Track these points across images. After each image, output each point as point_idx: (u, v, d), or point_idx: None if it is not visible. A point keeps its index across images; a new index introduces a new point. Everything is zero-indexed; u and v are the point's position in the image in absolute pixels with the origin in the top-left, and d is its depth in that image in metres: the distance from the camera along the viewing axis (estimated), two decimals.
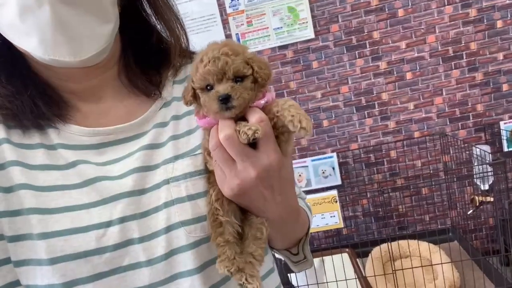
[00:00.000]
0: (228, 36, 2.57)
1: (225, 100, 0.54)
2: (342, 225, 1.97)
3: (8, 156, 0.58)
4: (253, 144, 0.57)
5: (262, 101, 0.59)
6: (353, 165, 2.70)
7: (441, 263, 1.87)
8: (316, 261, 2.13)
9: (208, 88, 0.57)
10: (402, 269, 1.84)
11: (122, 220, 0.59)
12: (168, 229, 0.61)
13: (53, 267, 0.55)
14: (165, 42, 0.76)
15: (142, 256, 0.60)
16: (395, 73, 2.60)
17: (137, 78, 0.71)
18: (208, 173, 0.65)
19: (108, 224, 0.59)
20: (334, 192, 1.96)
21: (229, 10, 2.53)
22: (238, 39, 2.56)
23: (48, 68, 0.63)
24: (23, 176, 0.57)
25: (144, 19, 0.74)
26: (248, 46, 2.58)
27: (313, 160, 2.63)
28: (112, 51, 0.67)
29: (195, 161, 0.66)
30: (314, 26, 2.55)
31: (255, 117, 0.56)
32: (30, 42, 0.56)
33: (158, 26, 0.75)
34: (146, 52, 0.74)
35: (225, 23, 2.56)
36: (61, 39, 0.56)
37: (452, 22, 2.50)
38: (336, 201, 1.97)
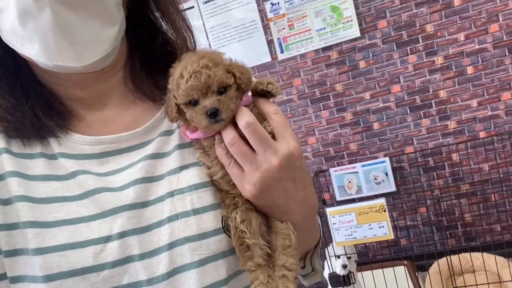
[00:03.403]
0: (270, 41, 2.53)
1: (213, 114, 0.54)
2: (392, 236, 1.81)
3: (7, 167, 0.58)
4: None
5: (249, 93, 0.58)
6: (409, 170, 2.50)
7: None
8: (361, 275, 1.99)
9: (192, 102, 0.55)
10: (465, 287, 1.64)
11: (122, 235, 0.56)
12: (171, 245, 0.57)
13: (48, 284, 0.54)
14: (171, 44, 0.73)
15: (142, 274, 0.56)
16: (453, 68, 2.37)
17: (143, 84, 0.69)
18: (220, 193, 0.61)
19: (107, 239, 0.56)
20: (382, 201, 1.81)
21: (270, 15, 2.50)
22: (280, 44, 2.52)
23: (53, 75, 0.62)
24: (21, 188, 0.57)
25: (151, 21, 0.72)
26: (290, 49, 2.52)
27: (363, 166, 2.48)
28: (118, 55, 0.65)
29: (201, 172, 0.62)
30: (360, 24, 2.41)
31: (243, 118, 0.54)
32: (32, 48, 0.55)
33: (165, 28, 0.72)
34: (153, 55, 0.72)
35: (266, 28, 2.53)
36: (64, 44, 0.54)
37: None
38: (385, 210, 1.81)
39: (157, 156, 0.63)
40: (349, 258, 2.00)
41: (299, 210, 0.61)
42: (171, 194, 0.60)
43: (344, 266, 1.96)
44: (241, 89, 0.57)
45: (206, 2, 2.59)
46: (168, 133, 0.66)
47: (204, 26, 2.62)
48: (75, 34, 0.54)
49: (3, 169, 0.58)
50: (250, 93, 0.58)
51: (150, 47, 0.71)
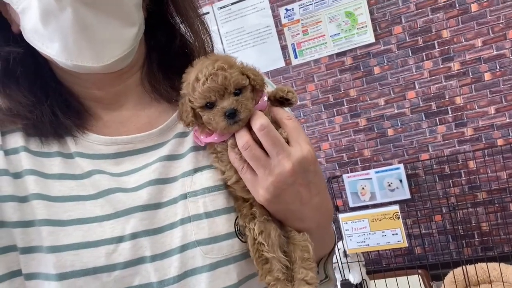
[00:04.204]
0: (284, 46, 2.54)
1: (232, 115, 0.54)
2: (406, 244, 1.78)
3: (25, 165, 0.59)
4: None
5: (265, 98, 0.59)
6: (424, 177, 2.46)
7: None
8: (374, 283, 1.96)
9: (208, 105, 0.56)
10: None
11: (134, 236, 0.57)
12: (183, 248, 0.57)
13: (61, 283, 0.54)
14: (189, 46, 0.74)
15: (153, 276, 0.56)
16: (470, 74, 2.33)
17: (159, 85, 0.69)
18: (236, 202, 0.61)
19: (120, 239, 0.56)
20: (396, 207, 1.78)
21: (284, 21, 2.51)
22: (294, 49, 2.52)
23: (72, 75, 0.63)
24: (38, 186, 0.58)
25: (170, 23, 0.73)
26: (304, 55, 2.52)
27: (377, 172, 2.45)
28: (137, 56, 0.66)
29: (214, 175, 0.62)
30: (374, 30, 2.40)
31: (258, 121, 0.55)
32: (53, 47, 0.56)
33: (183, 30, 0.73)
34: (170, 56, 0.72)
35: (280, 34, 2.53)
36: (84, 43, 0.55)
37: None
38: (399, 217, 1.79)
39: (172, 157, 0.64)
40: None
41: (314, 216, 0.60)
42: (184, 196, 0.60)
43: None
44: (256, 90, 0.58)
45: (221, 8, 2.61)
46: (183, 135, 0.66)
47: (219, 32, 2.64)
48: (94, 34, 0.55)
49: (22, 167, 0.59)
50: (265, 98, 0.58)
51: (168, 49, 0.72)
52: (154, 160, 0.63)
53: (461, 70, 2.34)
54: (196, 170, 0.62)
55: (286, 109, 0.65)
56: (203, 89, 0.54)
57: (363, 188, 2.47)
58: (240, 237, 0.59)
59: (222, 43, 2.65)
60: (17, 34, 0.59)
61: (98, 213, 0.57)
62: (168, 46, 0.71)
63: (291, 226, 0.61)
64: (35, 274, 0.56)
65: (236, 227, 0.59)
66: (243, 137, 0.55)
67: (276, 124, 0.58)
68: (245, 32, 2.57)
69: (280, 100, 0.60)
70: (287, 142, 0.57)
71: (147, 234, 0.57)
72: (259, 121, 0.55)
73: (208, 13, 2.65)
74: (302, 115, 2.66)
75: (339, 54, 2.48)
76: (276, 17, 2.52)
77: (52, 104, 0.62)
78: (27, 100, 0.61)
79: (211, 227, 0.58)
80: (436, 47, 2.35)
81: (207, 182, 0.61)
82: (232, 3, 2.59)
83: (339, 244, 1.99)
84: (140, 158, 0.64)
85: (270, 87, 0.71)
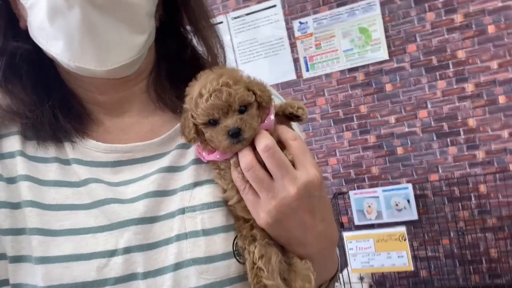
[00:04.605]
0: (295, 59, 2.53)
1: (236, 134, 0.51)
2: (412, 267, 1.73)
3: (20, 170, 0.57)
4: None
5: (272, 116, 0.55)
6: (432, 198, 2.40)
7: None
8: None
9: (211, 122, 0.53)
10: None
11: (128, 250, 0.54)
12: (177, 266, 0.54)
13: None
14: (200, 58, 0.72)
15: None
16: (484, 96, 2.29)
17: (165, 93, 0.67)
18: (236, 222, 0.58)
19: (112, 253, 0.53)
20: (403, 229, 1.74)
21: (297, 34, 2.50)
22: (306, 62, 2.51)
23: (76, 78, 0.61)
24: (31, 193, 0.56)
25: (182, 34, 0.71)
26: (316, 68, 2.50)
27: (384, 191, 2.41)
28: (145, 63, 0.64)
29: (215, 191, 0.59)
30: (388, 47, 2.38)
31: (262, 141, 0.52)
32: (57, 46, 0.55)
33: (195, 42, 0.71)
34: (179, 66, 0.71)
35: (293, 46, 2.52)
36: (88, 45, 0.54)
37: None
38: (405, 239, 1.74)
39: (172, 169, 0.61)
40: (362, 278, 1.94)
41: (317, 242, 0.57)
42: (182, 211, 0.57)
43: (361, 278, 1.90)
44: (262, 107, 0.55)
45: (235, 18, 2.62)
46: (185, 146, 0.63)
47: (232, 42, 2.65)
48: (100, 37, 0.54)
49: (16, 172, 0.57)
50: (272, 117, 0.55)
51: (178, 58, 0.70)
52: (154, 171, 0.60)
53: (475, 92, 2.30)
54: (196, 184, 0.59)
55: (295, 124, 0.62)
56: (206, 106, 0.51)
57: (369, 206, 2.42)
58: (238, 258, 0.56)
59: (234, 53, 2.65)
60: (24, 30, 0.58)
61: (92, 224, 0.55)
62: (179, 55, 0.70)
63: (292, 251, 0.57)
64: (22, 285, 0.53)
65: (234, 247, 0.56)
66: (246, 157, 0.53)
67: (281, 144, 0.55)
68: (257, 43, 2.57)
69: (289, 116, 0.58)
70: (293, 164, 0.54)
71: (141, 249, 0.54)
72: (264, 142, 0.52)
73: (221, 22, 2.66)
74: (311, 128, 2.63)
75: (351, 70, 2.46)
76: (289, 30, 2.52)
77: (53, 105, 0.60)
78: (28, 99, 0.59)
79: (208, 245, 0.55)
80: (451, 67, 2.32)
81: (206, 197, 0.58)
82: (247, 14, 2.59)
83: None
84: (139, 168, 0.61)
85: (277, 100, 0.68)
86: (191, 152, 0.62)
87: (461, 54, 2.30)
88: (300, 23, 2.48)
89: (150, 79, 0.68)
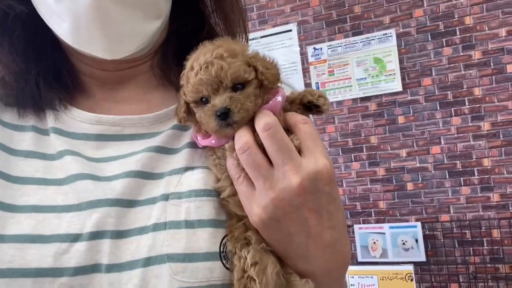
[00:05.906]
0: (307, 85, 2.49)
1: (224, 115, 0.44)
2: None
3: None
4: None
5: (279, 98, 0.47)
6: (442, 240, 2.27)
7: None
8: None
9: (203, 100, 0.47)
10: None
11: (94, 236, 0.46)
12: (148, 261, 0.46)
13: None
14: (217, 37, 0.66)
15: None
16: (501, 136, 2.20)
17: (170, 70, 0.61)
18: (228, 220, 0.49)
19: (75, 238, 0.45)
20: (410, 268, 1.62)
21: (311, 59, 2.47)
22: (318, 88, 2.47)
23: (76, 51, 0.55)
24: None
25: (200, 9, 0.65)
26: (328, 95, 2.46)
27: (391, 227, 2.28)
28: (155, 44, 0.58)
29: (207, 177, 0.50)
30: (403, 79, 2.33)
31: (262, 119, 0.44)
32: (61, 26, 0.50)
33: (213, 21, 0.65)
34: (190, 44, 0.64)
35: (305, 71, 2.50)
36: (97, 32, 0.49)
37: None
38: (412, 279, 1.61)
39: (163, 150, 0.53)
40: None
41: (323, 257, 0.47)
42: (165, 197, 0.48)
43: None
44: (264, 87, 0.47)
45: (250, 40, 2.61)
46: (183, 128, 0.55)
47: None
48: (111, 25, 0.49)
49: None
50: (279, 99, 0.48)
51: (192, 37, 0.63)
52: (142, 150, 0.52)
53: (491, 131, 2.22)
54: (187, 169, 0.51)
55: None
56: (195, 81, 0.45)
57: (374, 243, 2.29)
58: (224, 262, 0.46)
59: None
60: None
61: (59, 201, 0.47)
62: (194, 34, 0.63)
63: (291, 265, 0.48)
64: None
65: (222, 248, 0.47)
66: (242, 138, 0.45)
67: (289, 131, 0.47)
68: None
69: (308, 106, 0.50)
70: (299, 151, 0.45)
71: (109, 236, 0.46)
72: (264, 119, 0.44)
73: None
74: None
75: (363, 99, 2.41)
76: (303, 55, 2.50)
77: (39, 72, 0.54)
78: (15, 66, 0.53)
79: (189, 241, 0.46)
80: (467, 104, 2.25)
81: (196, 184, 0.49)
82: (262, 36, 2.59)
83: None
84: (126, 145, 0.53)
85: (290, 89, 0.61)
86: (188, 135, 0.55)
87: (477, 92, 2.24)
88: (315, 48, 2.46)
89: (157, 56, 0.62)
